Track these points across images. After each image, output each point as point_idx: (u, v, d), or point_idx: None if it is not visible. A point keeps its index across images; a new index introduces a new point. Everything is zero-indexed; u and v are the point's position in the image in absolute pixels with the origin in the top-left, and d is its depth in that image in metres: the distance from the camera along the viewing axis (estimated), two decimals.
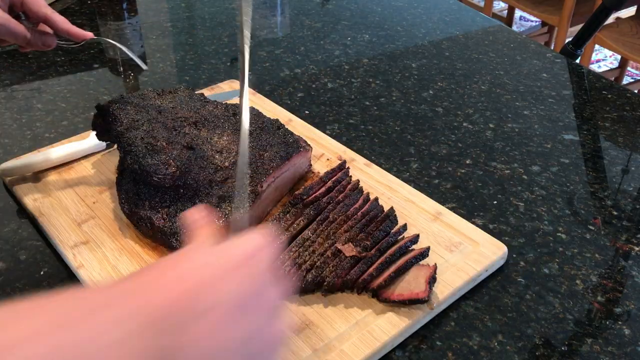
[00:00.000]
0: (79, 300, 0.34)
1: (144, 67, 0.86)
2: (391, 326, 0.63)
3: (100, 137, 0.83)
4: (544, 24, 3.24)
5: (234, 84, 1.06)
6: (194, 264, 0.39)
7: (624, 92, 1.09)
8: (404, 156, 0.92)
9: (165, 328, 0.35)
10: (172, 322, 0.35)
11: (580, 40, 1.42)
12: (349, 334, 0.63)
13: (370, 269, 0.66)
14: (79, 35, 0.76)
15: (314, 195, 0.74)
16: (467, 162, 0.91)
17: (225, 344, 0.37)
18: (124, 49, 0.80)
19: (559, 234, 0.79)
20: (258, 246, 0.42)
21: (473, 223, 0.77)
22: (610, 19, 2.08)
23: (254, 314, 0.39)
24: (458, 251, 0.72)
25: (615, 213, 0.82)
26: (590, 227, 0.80)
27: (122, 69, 1.16)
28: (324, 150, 0.89)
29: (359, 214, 0.72)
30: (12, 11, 0.73)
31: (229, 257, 0.41)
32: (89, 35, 0.78)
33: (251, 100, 1.01)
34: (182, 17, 1.37)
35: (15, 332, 0.31)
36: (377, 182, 0.83)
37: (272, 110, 0.98)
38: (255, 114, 0.85)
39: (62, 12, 1.34)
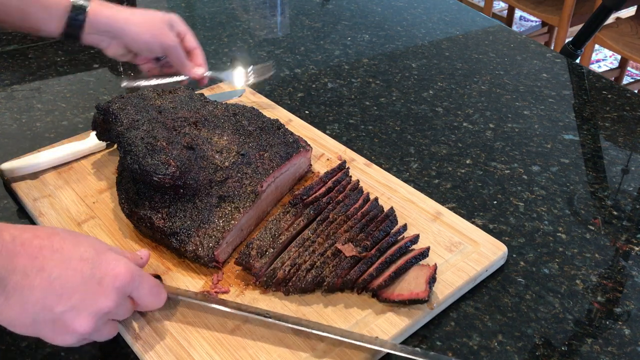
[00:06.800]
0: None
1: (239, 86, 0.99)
2: (391, 326, 0.63)
3: (100, 137, 0.83)
4: (544, 24, 3.24)
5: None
6: (80, 252, 0.56)
7: (624, 92, 1.09)
8: (404, 156, 0.92)
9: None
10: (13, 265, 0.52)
11: (580, 40, 1.42)
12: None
13: (370, 269, 0.66)
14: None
15: (314, 195, 0.74)
16: (467, 162, 0.91)
17: (34, 302, 0.52)
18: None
19: (559, 234, 0.79)
20: (117, 274, 0.56)
21: (473, 223, 0.77)
22: (610, 19, 2.08)
23: (66, 303, 0.53)
24: (458, 251, 0.72)
25: (615, 213, 0.82)
26: (590, 227, 0.80)
27: (122, 69, 1.16)
28: (324, 150, 0.89)
29: (359, 214, 0.72)
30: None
31: (100, 260, 0.56)
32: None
33: (251, 100, 1.01)
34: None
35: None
36: (377, 182, 0.83)
37: (272, 110, 0.98)
38: (255, 114, 0.85)
39: None
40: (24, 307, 0.52)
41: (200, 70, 0.93)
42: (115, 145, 0.88)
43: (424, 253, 0.67)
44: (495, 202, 0.84)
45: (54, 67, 1.15)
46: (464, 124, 1.00)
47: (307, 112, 1.02)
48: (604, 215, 0.82)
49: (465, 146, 0.95)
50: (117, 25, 0.87)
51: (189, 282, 0.69)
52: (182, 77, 0.94)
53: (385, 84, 1.11)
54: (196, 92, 0.90)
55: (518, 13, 3.55)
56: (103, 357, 0.63)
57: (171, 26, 0.91)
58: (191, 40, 0.94)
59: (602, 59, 3.29)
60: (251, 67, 1.01)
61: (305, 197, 0.73)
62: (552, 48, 2.74)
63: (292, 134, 0.83)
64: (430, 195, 0.82)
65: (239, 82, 1.00)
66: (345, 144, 0.92)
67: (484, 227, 0.78)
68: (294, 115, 0.97)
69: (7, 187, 0.83)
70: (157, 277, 0.66)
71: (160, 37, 0.89)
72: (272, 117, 0.85)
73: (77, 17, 0.85)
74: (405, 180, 0.85)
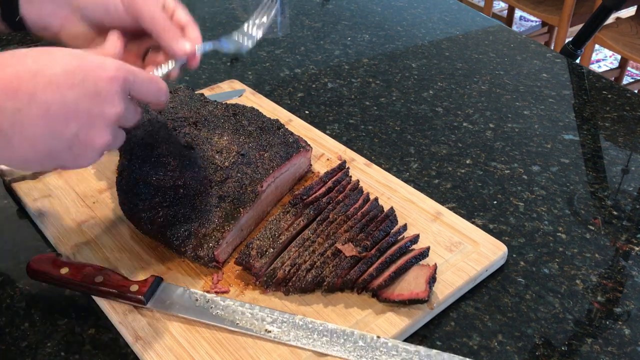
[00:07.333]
0: None
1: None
2: (391, 326, 0.63)
3: None
4: (544, 24, 3.24)
5: (234, 84, 1.06)
6: (62, 65, 0.50)
7: (624, 92, 1.09)
8: (404, 156, 0.92)
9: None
10: (12, 97, 0.48)
11: (580, 40, 1.42)
12: None
13: (370, 269, 0.66)
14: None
15: (314, 195, 0.74)
16: (467, 162, 0.91)
17: (43, 132, 0.49)
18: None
19: (559, 234, 0.79)
20: (111, 76, 0.52)
21: (473, 223, 0.77)
22: (610, 19, 2.08)
23: (73, 125, 0.50)
24: (458, 251, 0.72)
25: (615, 213, 0.82)
26: (590, 227, 0.80)
27: None
28: (324, 150, 0.89)
29: (359, 214, 0.72)
30: None
31: (85, 68, 0.51)
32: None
33: (251, 100, 1.01)
34: None
35: None
36: (377, 182, 0.83)
37: (272, 110, 0.98)
38: (255, 114, 0.85)
39: None
40: (32, 143, 0.49)
41: (186, 44, 0.64)
42: None
43: (424, 253, 0.67)
44: (495, 202, 0.84)
45: None
46: (464, 124, 1.00)
47: (307, 112, 1.02)
48: (604, 215, 0.82)
49: (465, 146, 0.95)
50: None
51: (189, 282, 0.69)
52: (168, 67, 0.65)
53: (385, 84, 1.11)
54: (196, 92, 0.90)
55: (518, 13, 3.55)
56: (103, 357, 0.63)
57: None
58: (182, 15, 0.67)
59: (602, 59, 3.29)
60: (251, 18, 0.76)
61: (305, 197, 0.73)
62: (552, 48, 2.74)
63: (292, 134, 0.83)
64: (430, 195, 0.82)
65: (245, 40, 0.74)
66: (345, 144, 0.92)
67: (484, 227, 0.78)
68: (294, 115, 0.97)
69: (7, 187, 0.83)
70: (159, 278, 0.66)
71: None
72: (272, 117, 0.85)
73: None
74: (405, 180, 0.85)
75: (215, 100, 0.88)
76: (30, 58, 0.50)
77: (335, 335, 0.61)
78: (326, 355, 0.60)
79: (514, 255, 0.75)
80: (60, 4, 0.64)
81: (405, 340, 0.64)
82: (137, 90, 0.55)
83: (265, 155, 0.78)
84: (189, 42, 0.65)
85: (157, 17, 0.63)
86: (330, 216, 0.71)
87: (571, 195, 0.85)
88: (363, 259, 0.66)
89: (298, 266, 0.67)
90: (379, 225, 0.71)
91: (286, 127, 0.84)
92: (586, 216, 0.82)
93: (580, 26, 1.47)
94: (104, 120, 0.52)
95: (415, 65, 1.18)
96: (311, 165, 0.86)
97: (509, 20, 3.25)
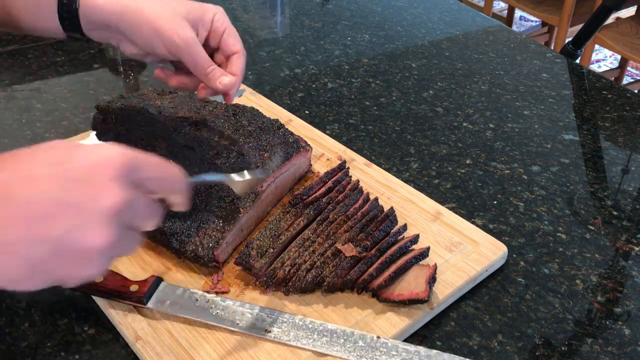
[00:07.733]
0: None
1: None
2: (391, 326, 0.63)
3: (100, 137, 0.83)
4: (544, 24, 3.24)
5: None
6: (43, 158, 0.45)
7: (624, 92, 1.09)
8: (404, 156, 0.92)
9: None
10: None
11: (580, 40, 1.42)
12: None
13: (370, 269, 0.66)
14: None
15: (314, 195, 0.74)
16: (467, 162, 0.91)
17: (17, 238, 0.41)
18: None
19: (559, 234, 0.79)
20: (105, 162, 0.44)
21: (473, 223, 0.77)
22: (610, 19, 2.08)
23: (60, 223, 0.42)
24: (458, 251, 0.72)
25: (615, 213, 0.82)
26: (590, 227, 0.80)
27: (122, 69, 1.16)
28: (324, 150, 0.89)
29: (359, 214, 0.72)
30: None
31: (73, 158, 0.45)
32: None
33: (251, 100, 1.01)
34: None
35: None
36: (377, 182, 0.83)
37: (272, 110, 0.98)
38: (255, 114, 0.85)
39: None
40: (13, 251, 0.41)
41: (225, 79, 0.68)
42: None
43: (424, 253, 0.67)
44: (495, 202, 0.84)
45: (54, 67, 1.15)
46: (464, 124, 1.00)
47: (307, 112, 1.02)
48: (604, 215, 0.82)
49: (465, 146, 0.95)
50: (112, 17, 0.66)
51: (189, 282, 0.69)
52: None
53: (385, 84, 1.11)
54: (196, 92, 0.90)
55: (518, 13, 3.55)
56: (103, 357, 0.63)
57: (194, 21, 0.67)
58: (229, 41, 0.69)
59: (602, 59, 3.29)
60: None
61: (305, 197, 0.73)
62: (552, 48, 2.74)
63: (292, 134, 0.83)
64: (430, 195, 0.82)
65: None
66: (345, 144, 0.92)
67: (484, 227, 0.78)
68: (294, 115, 0.97)
69: None
70: (159, 278, 0.66)
71: (164, 32, 0.65)
72: (272, 117, 0.85)
73: (68, 8, 0.65)
74: (405, 180, 0.85)
75: (215, 100, 0.88)
76: (11, 157, 0.46)
77: (335, 335, 0.61)
78: (326, 355, 0.60)
79: (514, 255, 0.75)
80: (114, 30, 0.67)
81: (405, 340, 0.64)
82: (146, 179, 0.47)
83: (265, 155, 0.78)
84: (225, 77, 0.68)
85: (192, 54, 0.66)
86: (330, 216, 0.71)
87: (571, 195, 0.85)
88: (363, 259, 0.66)
89: (298, 266, 0.67)
90: (379, 225, 0.71)
91: (286, 127, 0.84)
92: (586, 216, 0.82)
93: (580, 26, 1.47)
94: (100, 214, 0.43)
95: (415, 65, 1.18)
96: (311, 165, 0.86)
97: (509, 20, 3.25)
